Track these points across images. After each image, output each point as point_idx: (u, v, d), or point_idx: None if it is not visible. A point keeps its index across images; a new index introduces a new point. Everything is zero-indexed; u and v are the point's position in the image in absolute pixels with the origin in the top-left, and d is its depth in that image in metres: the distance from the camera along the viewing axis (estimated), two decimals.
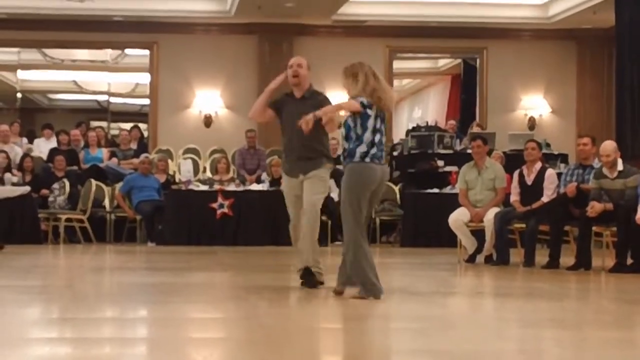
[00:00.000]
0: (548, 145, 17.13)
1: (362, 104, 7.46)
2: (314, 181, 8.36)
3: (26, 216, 15.19)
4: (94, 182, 16.02)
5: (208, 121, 19.56)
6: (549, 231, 11.40)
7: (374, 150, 7.50)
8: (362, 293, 7.48)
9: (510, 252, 11.62)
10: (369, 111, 7.48)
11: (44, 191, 15.74)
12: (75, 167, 16.78)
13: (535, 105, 20.05)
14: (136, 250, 14.66)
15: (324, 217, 15.99)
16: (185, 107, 19.59)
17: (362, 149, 7.49)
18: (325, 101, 8.32)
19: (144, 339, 5.95)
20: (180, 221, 15.38)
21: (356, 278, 7.54)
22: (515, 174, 11.93)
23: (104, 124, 20.21)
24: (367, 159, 7.50)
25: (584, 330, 6.48)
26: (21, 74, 20.61)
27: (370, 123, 7.49)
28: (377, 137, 7.52)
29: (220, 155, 17.81)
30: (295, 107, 8.20)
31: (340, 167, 17.84)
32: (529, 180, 11.73)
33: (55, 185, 15.79)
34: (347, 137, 7.58)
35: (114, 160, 17.37)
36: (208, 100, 19.57)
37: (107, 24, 19.04)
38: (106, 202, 16.33)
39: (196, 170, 17.80)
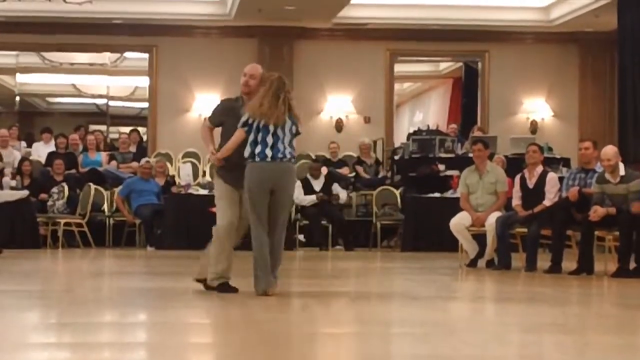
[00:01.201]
0: (550, 149, 17.06)
1: (242, 123, 8.14)
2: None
3: (25, 220, 15.16)
4: (92, 186, 15.98)
5: None
6: (551, 235, 11.35)
7: (258, 149, 7.99)
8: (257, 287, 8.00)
9: (511, 257, 11.58)
10: (249, 120, 8.09)
11: (43, 195, 15.69)
12: (74, 171, 16.74)
13: (537, 108, 19.99)
14: (135, 255, 14.64)
15: (324, 222, 15.96)
16: (184, 110, 19.54)
17: (247, 150, 8.03)
18: None
19: (143, 343, 5.93)
20: (180, 225, 15.34)
21: (255, 270, 8.09)
22: (517, 178, 11.88)
23: (103, 127, 20.18)
24: (257, 158, 8.00)
25: (586, 335, 6.46)
26: (20, 78, 20.58)
27: (254, 126, 8.04)
28: (261, 136, 8.00)
29: None
30: None
31: (339, 170, 17.96)
32: (531, 184, 11.68)
33: (54, 190, 15.74)
34: None
35: (113, 163, 17.31)
36: (208, 103, 19.45)
37: (106, 27, 19.00)
38: (105, 206, 16.30)
39: (196, 174, 17.74)
